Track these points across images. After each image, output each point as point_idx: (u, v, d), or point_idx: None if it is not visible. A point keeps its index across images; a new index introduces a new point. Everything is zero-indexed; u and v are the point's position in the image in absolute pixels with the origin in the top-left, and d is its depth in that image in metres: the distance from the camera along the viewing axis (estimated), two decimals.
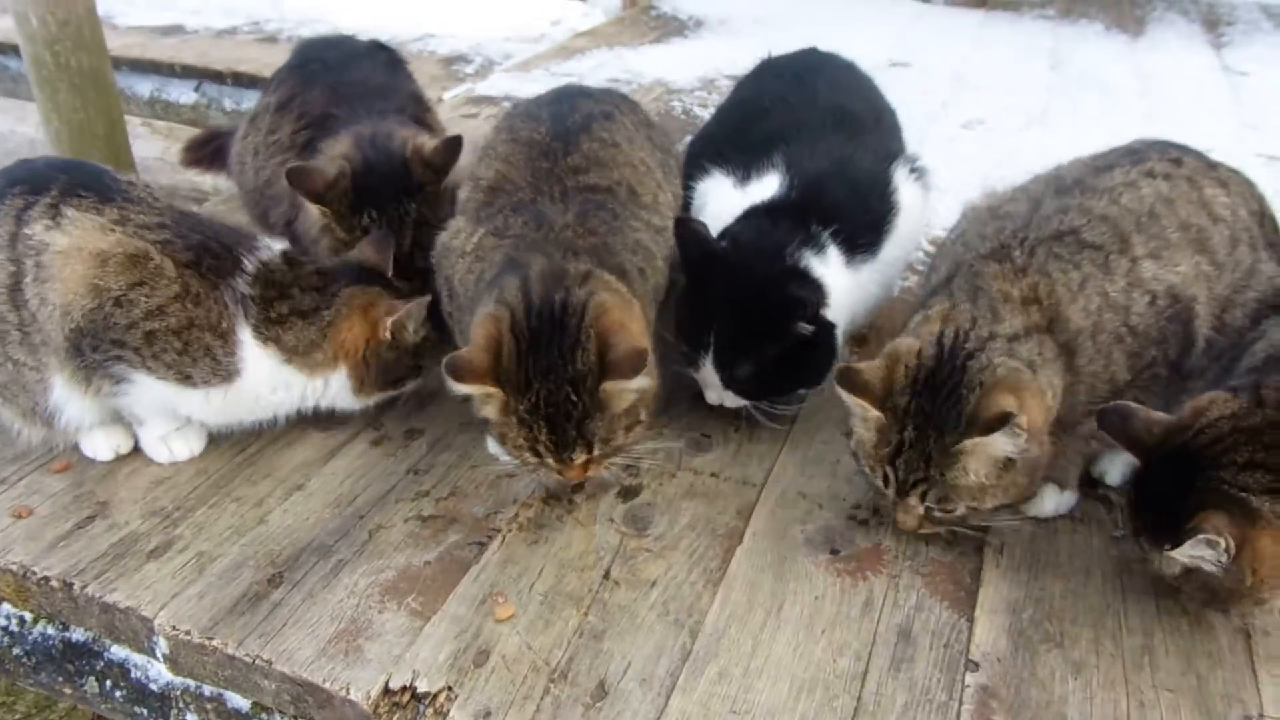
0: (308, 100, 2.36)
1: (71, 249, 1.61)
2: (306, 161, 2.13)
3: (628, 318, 1.59)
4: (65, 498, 1.74)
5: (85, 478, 1.79)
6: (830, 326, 1.83)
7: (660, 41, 5.15)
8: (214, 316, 1.66)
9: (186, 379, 1.68)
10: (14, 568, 1.60)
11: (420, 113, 2.44)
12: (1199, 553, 1.36)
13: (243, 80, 4.90)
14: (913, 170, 2.09)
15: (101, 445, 1.81)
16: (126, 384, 1.69)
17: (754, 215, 1.92)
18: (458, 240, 1.82)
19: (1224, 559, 1.35)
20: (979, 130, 3.94)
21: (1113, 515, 1.74)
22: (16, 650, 1.68)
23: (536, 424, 1.54)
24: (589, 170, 1.86)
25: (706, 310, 1.84)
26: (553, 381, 1.53)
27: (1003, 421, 1.44)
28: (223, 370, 1.69)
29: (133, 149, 3.82)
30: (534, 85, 4.39)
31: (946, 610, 1.57)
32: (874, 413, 1.56)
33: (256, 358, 1.71)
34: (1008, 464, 1.51)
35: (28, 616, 1.67)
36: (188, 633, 1.49)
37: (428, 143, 2.15)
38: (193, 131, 4.03)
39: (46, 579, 1.58)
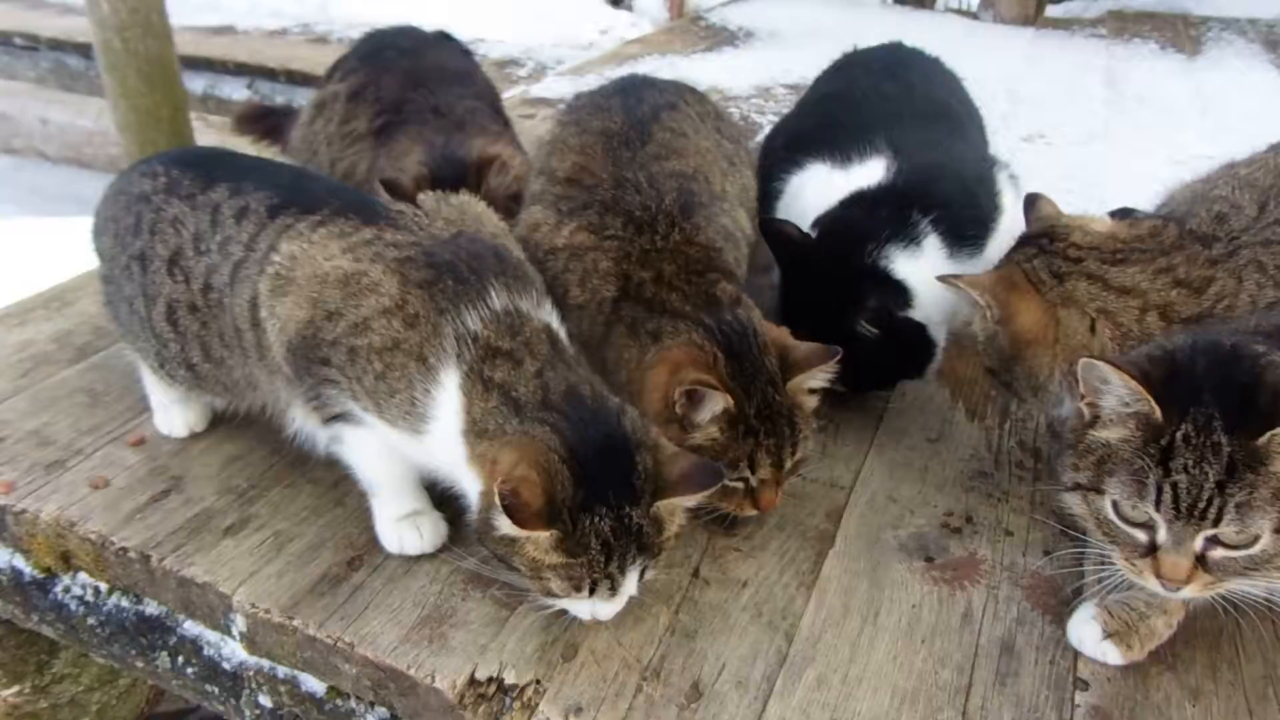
0: (383, 86, 2.34)
1: (301, 270, 1.45)
2: (397, 175, 2.10)
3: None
4: (140, 471, 1.71)
5: (160, 452, 1.76)
6: (916, 326, 1.78)
7: (712, 50, 5.13)
8: (426, 344, 1.37)
9: (380, 411, 1.41)
10: (93, 537, 1.57)
11: (495, 100, 2.42)
12: None
13: (295, 78, 4.95)
14: (1010, 176, 2.04)
15: (177, 421, 1.77)
16: (341, 424, 1.47)
17: (853, 203, 1.88)
18: (540, 233, 1.77)
19: None
20: (1039, 144, 3.90)
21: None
22: (91, 620, 1.64)
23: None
24: (668, 158, 1.85)
25: (791, 304, 1.84)
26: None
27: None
28: (417, 413, 1.38)
29: None
30: (588, 89, 4.39)
31: (1049, 625, 1.50)
32: None
33: (450, 410, 1.36)
34: (990, 332, 1.63)
35: (103, 587, 1.64)
36: (267, 611, 1.44)
37: (498, 155, 2.16)
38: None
39: (124, 550, 1.55)
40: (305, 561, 1.53)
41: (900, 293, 1.80)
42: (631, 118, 1.90)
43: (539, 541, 1.26)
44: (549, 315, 1.47)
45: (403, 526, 1.54)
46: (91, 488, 1.66)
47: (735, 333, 1.57)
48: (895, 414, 1.97)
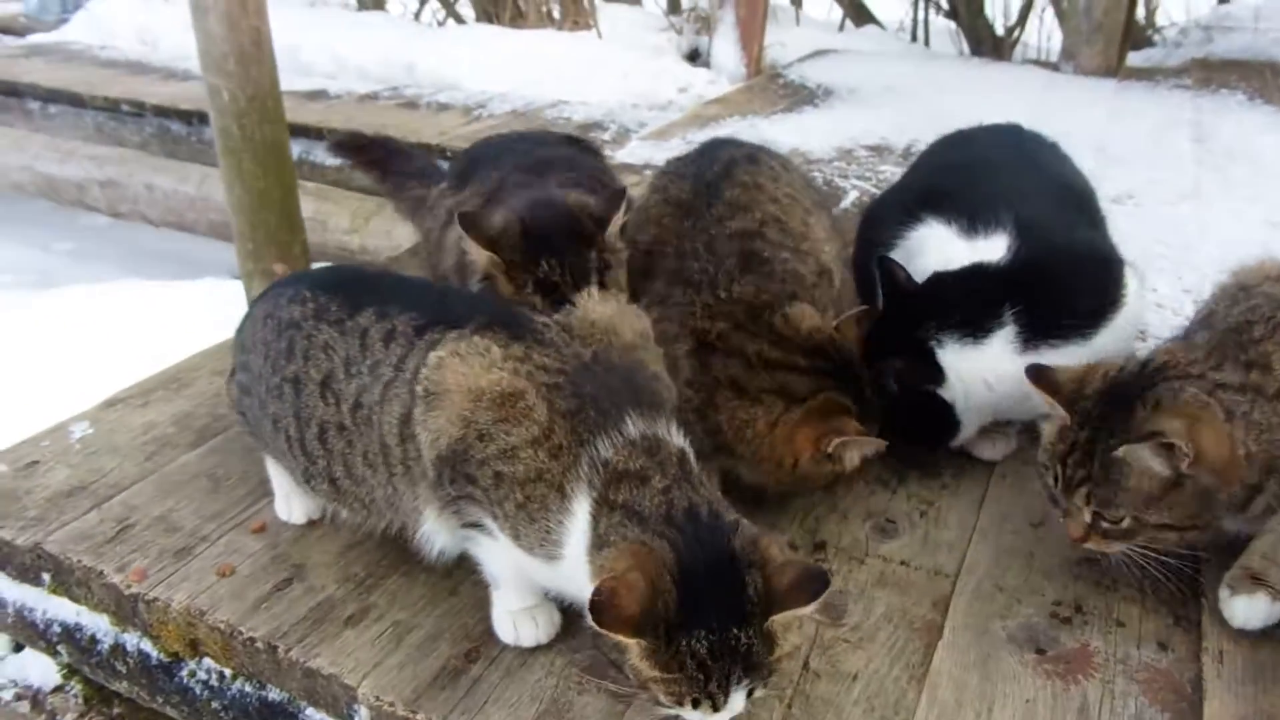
0: (488, 179, 2.43)
1: (455, 383, 1.48)
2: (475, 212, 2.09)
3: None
4: (264, 558, 1.78)
5: (280, 539, 1.83)
6: (939, 403, 1.91)
7: (792, 110, 5.16)
8: (566, 474, 1.40)
9: (517, 538, 1.45)
10: (222, 626, 1.64)
11: (603, 174, 2.49)
12: None
13: None
14: (1130, 266, 2.04)
15: (297, 509, 1.85)
16: (476, 531, 1.52)
17: (965, 275, 1.94)
18: None
19: None
20: (1129, 205, 3.83)
21: None
22: (215, 704, 1.71)
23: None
24: (733, 217, 1.95)
25: (873, 328, 1.98)
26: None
27: (1153, 438, 1.50)
28: (551, 541, 1.41)
29: None
30: (671, 153, 4.44)
31: None
32: (1060, 411, 1.63)
33: (580, 533, 1.39)
34: (1172, 483, 1.53)
35: (228, 673, 1.70)
36: (391, 705, 1.49)
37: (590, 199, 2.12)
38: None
39: (252, 640, 1.61)
40: (425, 653, 1.57)
41: (933, 372, 1.89)
42: (700, 182, 2.02)
43: (635, 650, 1.27)
44: (681, 439, 1.48)
45: (520, 618, 1.58)
46: (219, 575, 1.73)
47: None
48: (996, 498, 1.96)
